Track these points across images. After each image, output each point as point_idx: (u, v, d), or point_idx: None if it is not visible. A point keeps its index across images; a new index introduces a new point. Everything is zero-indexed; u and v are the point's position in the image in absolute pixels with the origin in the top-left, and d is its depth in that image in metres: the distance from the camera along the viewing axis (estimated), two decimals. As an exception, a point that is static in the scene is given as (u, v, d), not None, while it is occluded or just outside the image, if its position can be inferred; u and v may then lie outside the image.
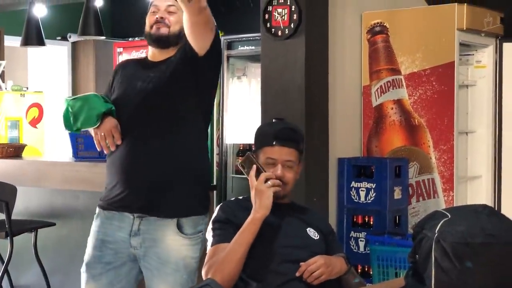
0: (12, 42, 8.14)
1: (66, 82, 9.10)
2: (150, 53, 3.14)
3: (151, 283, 2.96)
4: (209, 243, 2.69)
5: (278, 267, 2.61)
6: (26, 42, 6.65)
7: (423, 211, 4.60)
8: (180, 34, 3.01)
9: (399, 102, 4.72)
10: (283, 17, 4.19)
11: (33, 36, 6.57)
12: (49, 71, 9.17)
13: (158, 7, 3.08)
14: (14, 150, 5.18)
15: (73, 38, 8.73)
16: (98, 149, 3.04)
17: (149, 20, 3.11)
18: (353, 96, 4.80)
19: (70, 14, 8.27)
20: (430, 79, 4.60)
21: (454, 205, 4.46)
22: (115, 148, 2.96)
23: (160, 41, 3.05)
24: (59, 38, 8.89)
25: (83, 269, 3.04)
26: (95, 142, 3.03)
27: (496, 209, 4.67)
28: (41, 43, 6.63)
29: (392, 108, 4.73)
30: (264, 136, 2.77)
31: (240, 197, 2.83)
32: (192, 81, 2.95)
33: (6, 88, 8.18)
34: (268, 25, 4.25)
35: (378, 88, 4.76)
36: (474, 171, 5.01)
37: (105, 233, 2.99)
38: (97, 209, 3.07)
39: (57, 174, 4.65)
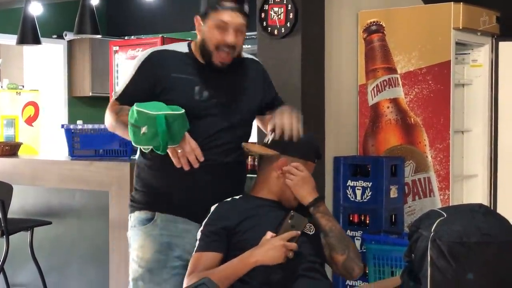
0: (8, 40, 8.13)
1: (62, 80, 9.10)
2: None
3: None
4: (196, 246, 2.67)
5: (274, 264, 2.60)
6: (21, 41, 6.62)
7: (419, 210, 4.60)
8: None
9: (395, 101, 4.72)
10: (279, 16, 4.19)
11: (29, 34, 6.55)
12: (45, 70, 9.16)
13: (228, 23, 2.67)
14: (10, 149, 5.17)
15: (69, 36, 8.74)
16: (178, 166, 2.67)
17: (213, 35, 2.69)
18: (349, 95, 4.80)
19: (66, 13, 8.26)
20: (426, 78, 4.60)
21: (450, 204, 4.46)
22: (198, 166, 2.67)
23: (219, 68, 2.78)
24: (55, 36, 8.88)
25: (140, 278, 2.77)
26: (173, 159, 2.66)
27: (492, 208, 4.68)
28: (37, 41, 6.62)
29: (388, 107, 4.74)
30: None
31: (237, 197, 2.78)
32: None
33: (1, 87, 8.19)
34: (264, 24, 4.24)
35: (374, 87, 4.76)
36: (470, 170, 5.01)
37: (171, 235, 2.78)
38: (147, 213, 2.81)
39: (53, 173, 4.64)
